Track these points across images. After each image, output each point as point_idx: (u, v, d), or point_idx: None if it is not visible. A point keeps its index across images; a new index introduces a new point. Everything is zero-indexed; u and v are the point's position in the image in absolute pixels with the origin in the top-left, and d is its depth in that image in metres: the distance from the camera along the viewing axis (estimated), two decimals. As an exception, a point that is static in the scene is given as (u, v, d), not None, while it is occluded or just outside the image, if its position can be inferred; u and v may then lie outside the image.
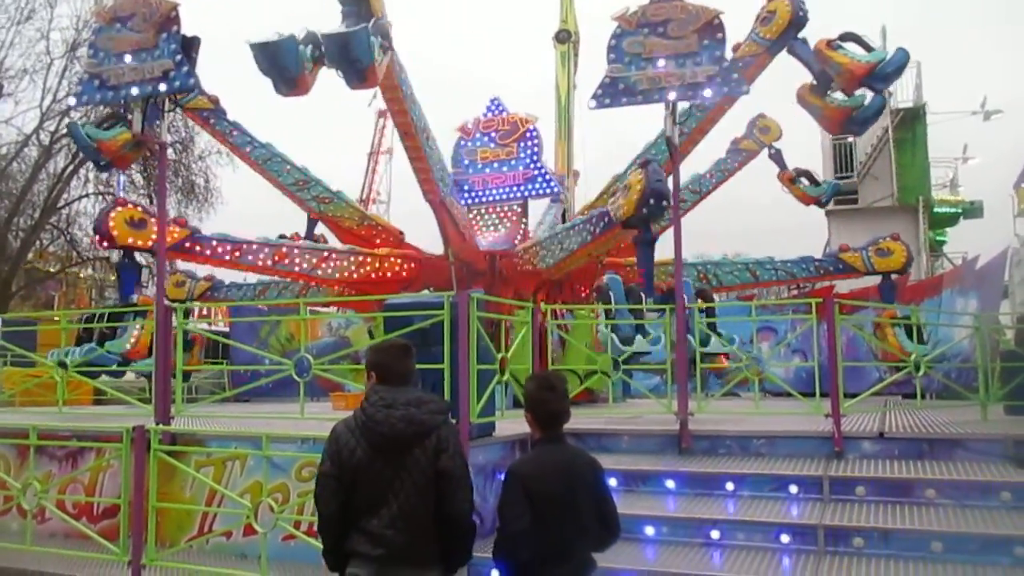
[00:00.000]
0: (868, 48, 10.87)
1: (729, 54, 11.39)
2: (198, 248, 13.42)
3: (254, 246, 13.62)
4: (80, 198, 25.42)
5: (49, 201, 24.33)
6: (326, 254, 13.83)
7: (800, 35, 11.28)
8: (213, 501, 6.84)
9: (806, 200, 16.19)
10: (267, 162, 14.27)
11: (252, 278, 16.19)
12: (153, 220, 12.21)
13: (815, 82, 11.07)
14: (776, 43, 11.43)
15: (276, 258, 13.57)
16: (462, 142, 16.29)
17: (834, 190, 16.46)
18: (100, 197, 25.32)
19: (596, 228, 12.10)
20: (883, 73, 10.63)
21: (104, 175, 25.29)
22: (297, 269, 13.78)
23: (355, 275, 13.85)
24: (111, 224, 12.13)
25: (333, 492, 3.43)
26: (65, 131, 24.10)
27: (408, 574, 3.40)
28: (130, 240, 12.33)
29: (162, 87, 7.52)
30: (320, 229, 15.43)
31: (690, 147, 13.76)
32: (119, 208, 12.54)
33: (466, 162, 16.14)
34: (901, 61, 10.50)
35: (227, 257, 13.59)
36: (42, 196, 24.49)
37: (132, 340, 11.59)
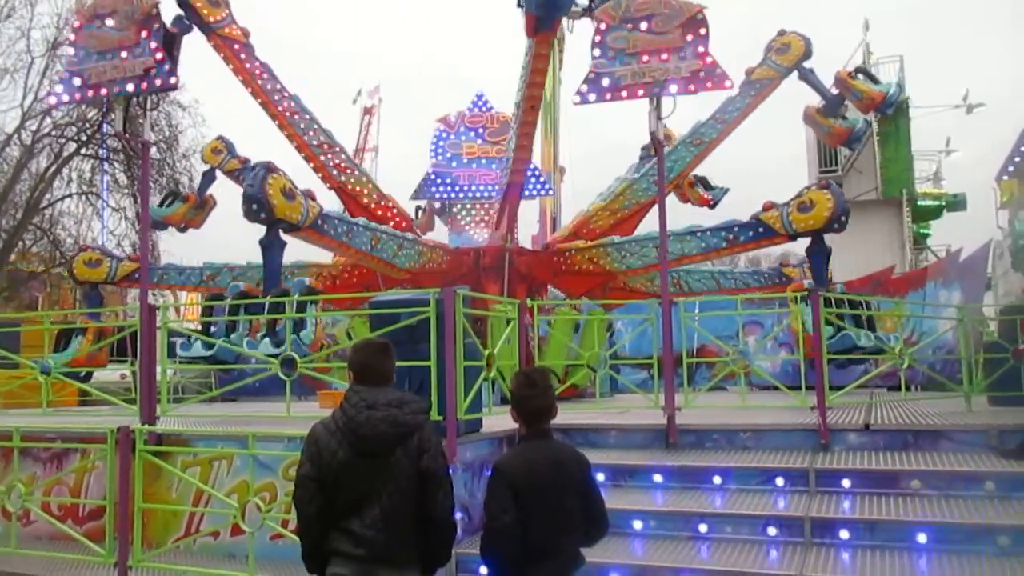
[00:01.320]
0: (875, 80, 13.46)
1: (742, 75, 12.79)
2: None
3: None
4: (63, 198, 25.20)
5: (31, 201, 24.10)
6: (404, 243, 13.20)
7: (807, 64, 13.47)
8: (200, 501, 6.81)
9: (702, 202, 15.96)
10: (293, 116, 13.57)
11: (197, 261, 15.04)
12: (108, 259, 13.89)
13: (824, 104, 13.57)
14: (789, 70, 13.46)
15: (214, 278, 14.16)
16: (444, 134, 16.07)
17: (723, 193, 16.10)
18: (83, 197, 25.13)
19: (741, 237, 12.32)
20: (890, 101, 13.14)
21: (87, 175, 25.13)
22: (385, 256, 12.94)
23: (418, 265, 13.45)
24: (73, 266, 14.07)
25: (313, 494, 3.40)
26: (48, 131, 23.95)
27: (388, 573, 3.38)
28: (87, 277, 13.84)
29: (144, 85, 7.47)
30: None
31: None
32: (82, 252, 14.27)
33: (448, 155, 15.94)
34: (899, 94, 13.06)
35: (172, 282, 14.94)
36: (24, 196, 24.26)
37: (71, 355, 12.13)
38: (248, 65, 13.22)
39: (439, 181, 15.68)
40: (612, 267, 13.59)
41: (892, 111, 14.63)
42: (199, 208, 14.76)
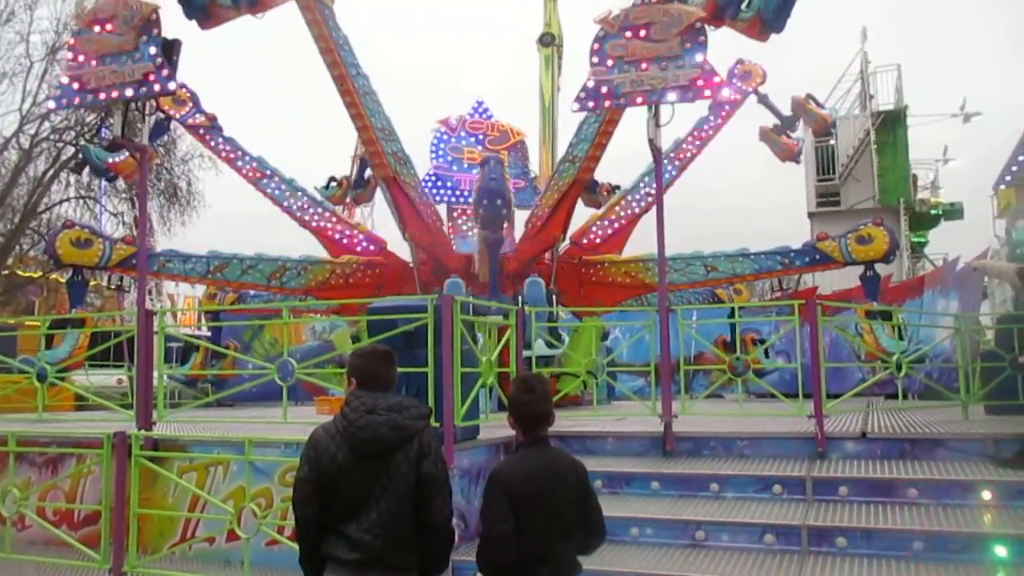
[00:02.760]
0: (820, 105, 15.76)
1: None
2: (151, 265, 13.11)
3: (203, 259, 13.63)
4: (61, 202, 25.21)
5: (29, 206, 24.11)
6: (283, 264, 13.75)
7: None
8: (196, 507, 6.79)
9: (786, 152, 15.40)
10: (260, 180, 14.27)
11: (202, 251, 14.65)
12: (100, 239, 12.96)
13: (778, 123, 15.13)
14: (750, 93, 14.97)
15: (221, 269, 13.70)
16: (444, 136, 16.02)
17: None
18: (82, 201, 25.13)
19: (796, 262, 13.09)
20: (832, 124, 17.07)
21: (85, 180, 25.10)
22: (250, 279, 13.80)
23: (314, 284, 13.73)
24: (57, 244, 12.57)
25: (311, 498, 3.40)
26: (46, 135, 23.94)
27: None
28: (74, 260, 12.62)
29: (143, 90, 7.47)
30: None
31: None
32: (66, 229, 12.96)
33: (449, 158, 15.88)
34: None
35: (175, 271, 13.90)
36: (22, 200, 24.25)
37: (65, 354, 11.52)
38: (214, 143, 14.56)
39: (440, 183, 15.61)
40: (651, 281, 13.56)
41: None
42: (363, 187, 15.62)
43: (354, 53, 13.02)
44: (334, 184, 15.58)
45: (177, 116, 14.30)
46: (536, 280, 11.49)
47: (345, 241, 14.43)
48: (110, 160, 14.07)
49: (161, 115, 9.81)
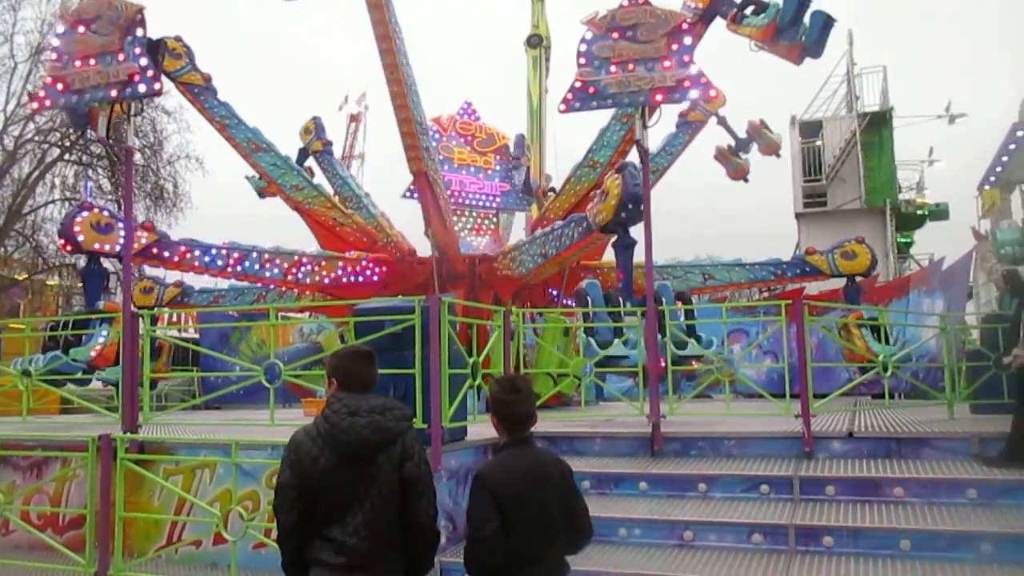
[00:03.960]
0: (770, 130, 15.97)
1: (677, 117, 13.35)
2: (166, 253, 13.18)
3: (223, 251, 13.39)
4: (46, 204, 25.03)
5: (14, 207, 23.92)
6: (297, 259, 13.64)
7: None
8: (182, 510, 6.75)
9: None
10: (255, 152, 13.98)
11: (224, 283, 15.62)
12: (120, 224, 11.90)
13: (735, 144, 15.80)
14: (713, 114, 14.82)
15: (241, 261, 13.35)
16: (436, 135, 15.92)
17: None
18: (66, 203, 24.94)
19: (574, 234, 12.21)
20: (779, 145, 16.28)
21: (70, 182, 24.93)
22: (268, 275, 13.60)
23: (327, 280, 13.64)
24: (77, 228, 11.82)
25: (293, 502, 3.36)
26: (30, 136, 23.75)
27: None
28: (96, 245, 11.95)
29: (128, 91, 7.42)
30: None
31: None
32: (85, 212, 12.16)
33: (440, 157, 15.77)
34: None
35: (196, 263, 13.29)
36: (6, 202, 24.07)
37: (98, 347, 11.26)
38: (208, 106, 13.79)
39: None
40: (514, 274, 13.67)
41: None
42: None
43: (404, 43, 12.81)
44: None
45: (171, 72, 13.22)
46: (594, 281, 11.45)
47: (337, 229, 14.36)
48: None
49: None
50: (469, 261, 14.16)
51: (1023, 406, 6.31)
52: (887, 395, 8.97)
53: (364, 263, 13.91)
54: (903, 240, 27.95)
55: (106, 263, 12.68)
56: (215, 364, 14.38)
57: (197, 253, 13.22)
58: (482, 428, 6.74)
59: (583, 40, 7.56)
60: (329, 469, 3.33)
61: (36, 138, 24.04)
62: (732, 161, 16.16)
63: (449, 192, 15.54)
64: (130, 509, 6.50)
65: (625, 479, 6.76)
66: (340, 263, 13.74)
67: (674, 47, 7.35)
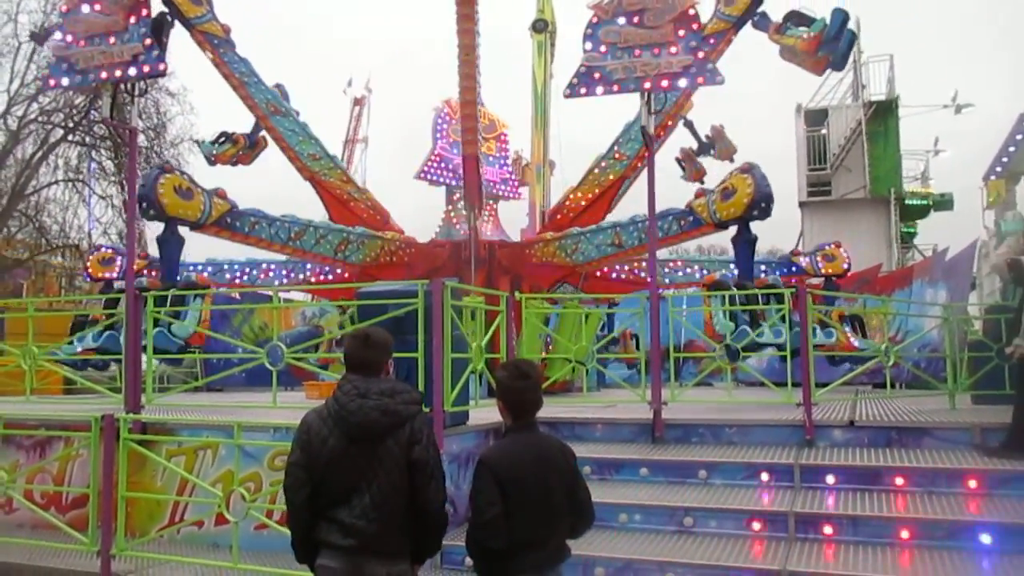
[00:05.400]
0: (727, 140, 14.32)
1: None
2: (237, 223, 11.92)
3: (286, 224, 12.61)
4: (49, 185, 24.99)
5: (17, 188, 23.90)
6: (346, 236, 13.22)
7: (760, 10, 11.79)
8: (184, 490, 6.79)
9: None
10: (274, 115, 13.31)
11: (188, 246, 13.92)
12: (199, 190, 11.22)
13: (697, 147, 14.60)
14: (741, 19, 12.02)
15: (300, 236, 12.71)
16: (447, 117, 15.78)
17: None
18: (69, 184, 24.93)
19: (672, 227, 12.22)
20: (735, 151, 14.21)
21: (74, 162, 24.90)
22: (321, 251, 12.97)
23: (369, 259, 13.37)
24: (160, 191, 10.54)
25: (302, 482, 3.39)
26: (34, 116, 23.72)
27: (377, 565, 3.35)
28: (180, 211, 10.87)
29: (131, 71, 7.40)
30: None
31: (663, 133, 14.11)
32: (167, 174, 10.98)
33: (450, 140, 15.65)
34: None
35: (263, 235, 12.24)
36: (10, 183, 24.05)
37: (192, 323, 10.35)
38: (227, 59, 12.75)
39: (443, 165, 15.49)
40: (567, 260, 13.59)
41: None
42: (250, 148, 13.81)
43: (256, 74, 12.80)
44: (225, 140, 13.75)
45: (191, 18, 11.92)
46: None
47: (351, 204, 14.13)
48: (217, 155, 13.25)
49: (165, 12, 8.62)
50: (488, 246, 14.10)
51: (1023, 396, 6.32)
52: (889, 385, 8.97)
53: (399, 244, 13.76)
54: (907, 230, 27.85)
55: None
56: (217, 346, 14.36)
57: (264, 224, 12.19)
58: (484, 413, 6.77)
59: (588, 24, 7.52)
60: (337, 450, 3.35)
61: (40, 119, 23.99)
62: (695, 162, 15.92)
63: (458, 175, 15.40)
64: (133, 489, 6.53)
65: (626, 465, 6.78)
66: (379, 243, 13.57)
67: (680, 33, 7.31)
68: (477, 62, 12.17)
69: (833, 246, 13.64)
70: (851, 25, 10.72)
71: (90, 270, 12.85)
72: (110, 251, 13.05)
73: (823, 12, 10.45)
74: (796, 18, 11.10)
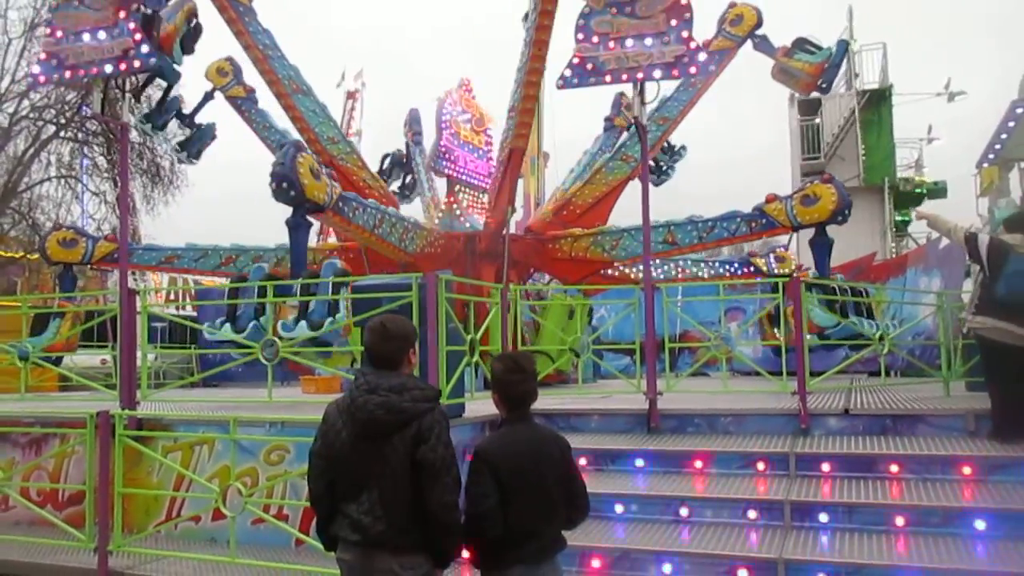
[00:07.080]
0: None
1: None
2: (345, 208, 11.02)
3: (373, 210, 12.01)
4: (42, 181, 24.84)
5: (9, 185, 23.79)
6: (408, 225, 12.91)
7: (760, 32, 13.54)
8: (181, 486, 6.79)
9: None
10: (295, 92, 13.25)
11: (181, 242, 14.22)
12: (325, 172, 10.59)
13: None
14: (744, 39, 13.65)
15: (381, 224, 12.06)
16: (450, 108, 15.62)
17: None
18: (62, 181, 24.81)
19: (741, 228, 12.49)
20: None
21: (66, 159, 24.77)
22: (393, 240, 12.39)
23: (419, 249, 13.06)
24: (300, 171, 9.53)
25: (321, 472, 3.43)
26: (25, 113, 23.58)
27: (387, 560, 3.29)
28: (316, 194, 10.00)
29: (122, 66, 7.36)
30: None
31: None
32: (304, 152, 10.11)
33: (452, 131, 15.54)
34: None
35: (359, 220, 11.40)
36: (2, 180, 23.94)
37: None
38: (250, 114, 13.72)
39: (447, 156, 15.36)
40: (604, 257, 13.58)
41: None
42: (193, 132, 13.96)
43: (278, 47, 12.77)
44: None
45: (219, 87, 13.87)
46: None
47: (367, 192, 13.64)
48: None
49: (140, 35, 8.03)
50: (501, 239, 14.01)
51: (993, 380, 6.32)
52: (883, 372, 9.00)
53: (436, 236, 13.56)
54: (901, 218, 27.91)
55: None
56: (213, 341, 14.27)
57: (360, 211, 11.38)
58: (479, 405, 6.78)
59: (581, 15, 7.50)
60: (348, 445, 3.34)
61: (31, 115, 23.85)
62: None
63: (456, 166, 15.38)
64: (129, 485, 6.53)
65: (622, 455, 6.79)
66: (425, 233, 13.33)
67: (673, 23, 7.29)
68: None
69: (819, 181, 12.43)
70: (844, 13, 11.15)
71: (48, 252, 13.06)
72: (71, 231, 13.31)
73: (802, 18, 11.22)
74: (803, 44, 12.59)
